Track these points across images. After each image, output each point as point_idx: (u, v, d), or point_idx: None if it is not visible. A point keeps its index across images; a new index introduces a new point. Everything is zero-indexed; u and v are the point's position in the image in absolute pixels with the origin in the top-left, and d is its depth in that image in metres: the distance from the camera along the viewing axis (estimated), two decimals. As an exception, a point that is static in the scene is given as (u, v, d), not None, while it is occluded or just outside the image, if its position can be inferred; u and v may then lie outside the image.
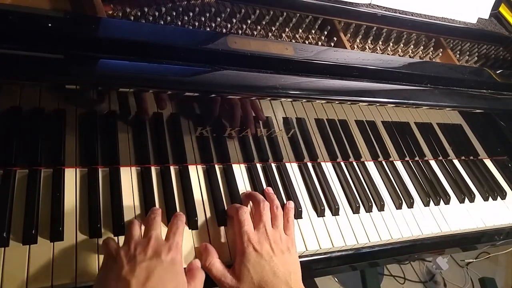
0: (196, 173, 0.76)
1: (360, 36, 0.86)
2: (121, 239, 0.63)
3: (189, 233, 0.67)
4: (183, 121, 0.69)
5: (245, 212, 0.67)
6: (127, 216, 0.65)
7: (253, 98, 0.68)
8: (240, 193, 0.76)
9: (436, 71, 0.82)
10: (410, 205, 0.89)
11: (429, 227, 0.86)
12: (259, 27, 0.75)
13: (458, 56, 0.96)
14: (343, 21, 0.85)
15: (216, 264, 0.63)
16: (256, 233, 0.66)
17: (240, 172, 0.80)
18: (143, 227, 0.62)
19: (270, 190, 0.78)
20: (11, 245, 0.57)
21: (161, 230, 0.62)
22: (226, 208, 0.72)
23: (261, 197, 0.72)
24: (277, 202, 0.73)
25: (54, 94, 0.58)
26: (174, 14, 0.69)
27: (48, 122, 0.61)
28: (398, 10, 0.90)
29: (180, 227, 0.63)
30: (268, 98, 0.69)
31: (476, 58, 0.98)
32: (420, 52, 0.92)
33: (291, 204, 0.75)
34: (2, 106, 0.56)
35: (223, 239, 0.69)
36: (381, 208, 0.85)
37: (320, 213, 0.79)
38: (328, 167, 0.89)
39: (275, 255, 0.64)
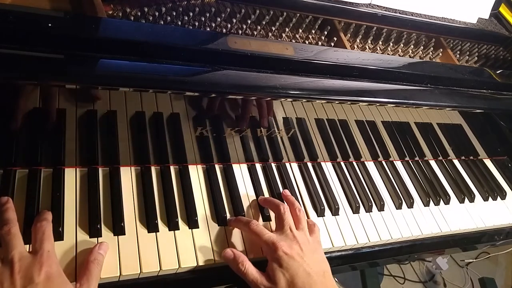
0: (196, 173, 0.76)
1: (360, 36, 0.86)
2: (121, 239, 0.63)
3: (189, 233, 0.67)
4: (183, 121, 0.69)
5: (256, 224, 0.67)
6: (127, 216, 0.65)
7: (253, 98, 0.68)
8: (241, 193, 0.76)
9: (436, 71, 0.82)
10: (410, 205, 0.89)
11: (429, 227, 0.86)
12: (259, 27, 0.75)
13: (458, 56, 0.96)
14: (343, 21, 0.85)
15: (250, 268, 0.63)
16: (281, 236, 0.66)
17: (240, 172, 0.80)
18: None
19: (287, 192, 0.78)
20: (11, 245, 0.57)
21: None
22: (228, 217, 0.72)
23: (278, 201, 0.73)
24: (297, 204, 0.73)
25: (54, 94, 0.58)
26: (174, 14, 0.69)
27: (48, 122, 0.61)
28: (398, 10, 0.90)
29: (46, 230, 0.56)
30: (268, 98, 0.69)
31: (476, 58, 0.98)
32: (420, 52, 0.92)
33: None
34: (2, 106, 0.56)
35: (223, 239, 0.69)
36: (381, 208, 0.85)
37: (320, 213, 0.79)
38: (328, 167, 0.89)
39: (305, 256, 0.64)
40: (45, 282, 0.50)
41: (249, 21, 0.74)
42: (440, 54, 0.93)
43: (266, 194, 0.79)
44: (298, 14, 0.81)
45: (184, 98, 0.65)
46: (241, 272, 0.63)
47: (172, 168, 0.74)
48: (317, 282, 0.61)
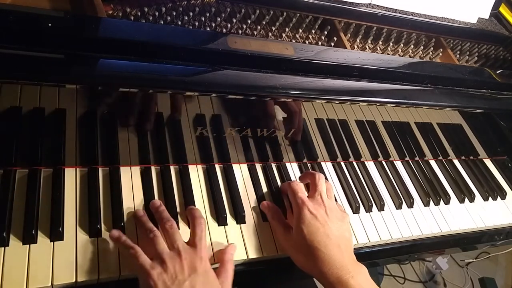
0: (196, 173, 0.76)
1: (360, 36, 0.86)
2: (121, 239, 0.63)
3: (189, 233, 0.67)
4: (183, 121, 0.69)
5: (297, 183, 0.73)
6: (127, 216, 0.65)
7: (253, 97, 0.68)
8: (241, 193, 0.76)
9: (436, 71, 0.82)
10: (410, 205, 0.89)
11: (429, 227, 0.86)
12: (259, 27, 0.75)
13: (458, 56, 0.96)
14: (343, 21, 0.85)
15: (278, 220, 0.71)
16: (312, 200, 0.70)
17: (240, 172, 0.79)
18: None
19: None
20: (11, 245, 0.57)
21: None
22: (228, 216, 0.72)
23: (314, 171, 0.78)
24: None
25: (54, 94, 0.58)
26: (174, 14, 0.69)
27: (48, 122, 0.61)
28: (398, 10, 0.90)
29: (203, 228, 0.64)
30: (268, 98, 0.69)
31: (476, 58, 0.98)
32: (420, 52, 0.92)
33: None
34: (2, 106, 0.56)
35: (223, 239, 0.69)
36: (381, 208, 0.85)
37: (320, 213, 0.79)
38: (328, 167, 0.89)
39: (330, 220, 0.67)
40: (204, 273, 0.57)
41: (249, 21, 0.74)
42: (440, 54, 0.93)
43: (266, 193, 0.79)
44: (298, 14, 0.81)
45: (184, 98, 0.65)
46: (271, 219, 0.72)
47: (172, 168, 0.74)
48: (333, 244, 0.64)
